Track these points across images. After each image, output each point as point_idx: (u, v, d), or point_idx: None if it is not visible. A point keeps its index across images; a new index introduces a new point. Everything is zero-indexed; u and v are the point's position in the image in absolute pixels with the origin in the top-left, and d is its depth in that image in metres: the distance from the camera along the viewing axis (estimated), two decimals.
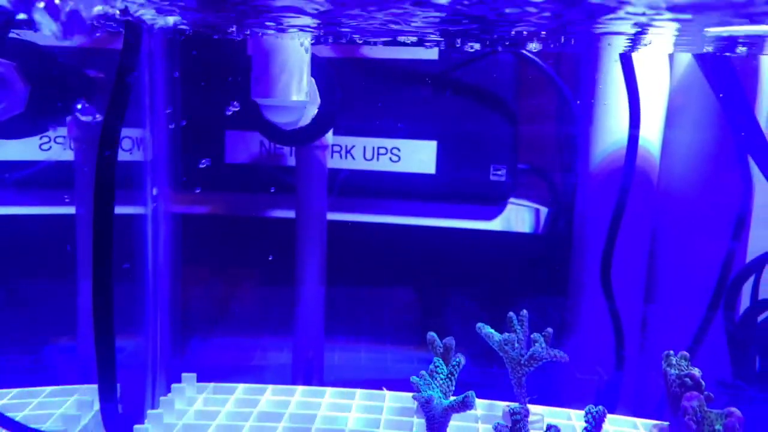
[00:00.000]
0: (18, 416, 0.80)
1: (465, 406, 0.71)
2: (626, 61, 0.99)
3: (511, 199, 1.21)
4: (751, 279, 1.07)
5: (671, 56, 1.10)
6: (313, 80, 0.93)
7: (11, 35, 0.85)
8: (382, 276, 1.26)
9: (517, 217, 1.22)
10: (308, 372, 1.15)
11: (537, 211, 1.23)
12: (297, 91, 0.85)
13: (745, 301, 1.11)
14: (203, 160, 1.00)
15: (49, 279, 1.15)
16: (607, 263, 1.07)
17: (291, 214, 1.13)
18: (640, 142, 1.05)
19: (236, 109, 0.93)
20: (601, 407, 0.67)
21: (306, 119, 0.96)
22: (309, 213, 1.11)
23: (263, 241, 1.22)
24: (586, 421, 0.67)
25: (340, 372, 1.22)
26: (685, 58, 1.10)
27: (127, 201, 0.95)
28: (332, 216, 1.14)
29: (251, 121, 0.94)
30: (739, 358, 1.05)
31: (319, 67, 0.97)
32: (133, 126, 0.97)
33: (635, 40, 0.88)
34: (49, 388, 0.91)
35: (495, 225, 1.21)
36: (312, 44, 0.92)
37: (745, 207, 1.08)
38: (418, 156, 1.15)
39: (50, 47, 0.92)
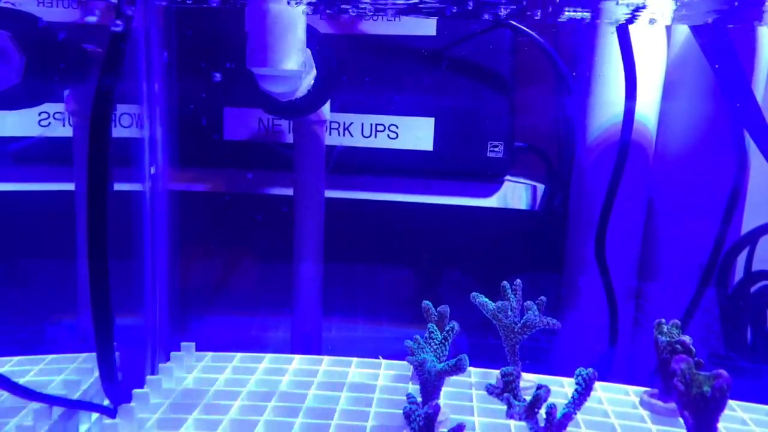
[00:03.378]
0: (20, 382, 0.82)
1: (458, 369, 0.72)
2: (623, 32, 0.99)
3: (508, 177, 1.21)
4: (745, 252, 1.08)
5: (669, 29, 1.10)
6: (309, 51, 0.93)
7: (5, 4, 0.85)
8: (379, 253, 1.27)
9: (514, 194, 1.22)
10: (305, 348, 1.16)
11: (534, 187, 1.23)
12: (292, 60, 0.85)
13: (740, 275, 1.12)
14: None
15: (50, 254, 1.17)
16: (602, 237, 1.08)
17: (289, 191, 1.13)
18: (637, 116, 1.05)
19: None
20: (591, 369, 0.68)
21: (302, 90, 0.96)
22: (307, 189, 1.11)
23: (262, 218, 1.23)
24: (576, 384, 0.68)
25: (336, 349, 1.23)
26: (683, 31, 1.10)
27: (127, 178, 0.95)
28: (330, 193, 1.15)
29: (247, 92, 0.95)
30: (732, 329, 1.06)
31: (315, 39, 0.97)
32: (131, 102, 0.97)
33: (634, 11, 0.88)
34: (50, 356, 0.93)
35: (492, 202, 1.21)
36: (309, 13, 0.92)
37: (741, 180, 1.08)
38: (416, 133, 1.16)
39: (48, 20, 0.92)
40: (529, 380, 0.88)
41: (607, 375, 1.10)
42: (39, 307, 1.21)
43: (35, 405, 0.75)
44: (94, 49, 1.00)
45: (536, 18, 0.95)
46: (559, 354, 1.20)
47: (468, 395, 0.86)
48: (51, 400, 0.75)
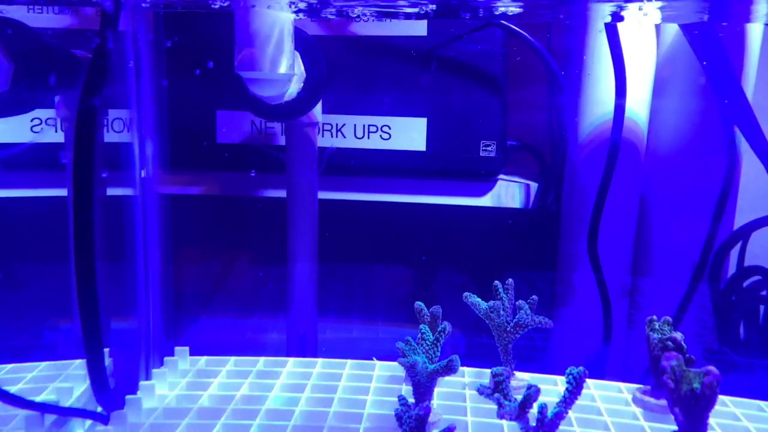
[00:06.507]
0: (12, 389, 0.82)
1: (449, 370, 0.73)
2: (611, 30, 0.99)
3: (501, 175, 1.22)
4: (737, 247, 1.08)
5: (658, 27, 1.10)
6: (297, 54, 0.93)
7: None
8: (374, 254, 1.27)
9: (508, 192, 1.22)
10: (301, 350, 1.16)
11: (527, 186, 1.24)
12: (281, 63, 0.85)
13: (732, 270, 1.12)
14: None
15: (46, 259, 1.16)
16: (594, 234, 1.08)
17: (282, 193, 1.13)
18: (628, 113, 1.06)
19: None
20: (581, 368, 0.68)
21: (292, 93, 0.96)
22: (300, 191, 1.11)
23: (255, 220, 1.23)
24: (567, 382, 0.68)
25: (332, 350, 1.24)
26: (673, 29, 1.10)
27: (118, 182, 0.95)
28: (324, 195, 1.15)
29: (239, 96, 0.95)
30: (725, 325, 1.06)
31: (304, 42, 0.97)
32: (122, 107, 0.97)
33: (620, 8, 0.88)
34: (43, 364, 0.93)
35: (485, 201, 1.21)
36: (298, 17, 0.92)
37: (732, 176, 1.08)
38: (409, 133, 1.16)
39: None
40: (522, 379, 0.88)
41: (602, 372, 1.10)
42: (35, 313, 1.21)
43: (27, 413, 0.75)
44: (84, 55, 0.99)
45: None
46: (555, 352, 1.21)
47: (461, 395, 0.86)
48: (42, 407, 0.74)
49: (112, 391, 0.81)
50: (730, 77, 1.01)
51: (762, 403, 0.86)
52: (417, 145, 1.16)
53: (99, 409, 0.80)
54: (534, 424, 0.66)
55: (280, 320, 1.19)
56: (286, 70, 0.86)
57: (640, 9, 0.89)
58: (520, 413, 0.66)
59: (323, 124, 1.15)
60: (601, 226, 1.08)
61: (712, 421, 0.77)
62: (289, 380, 0.91)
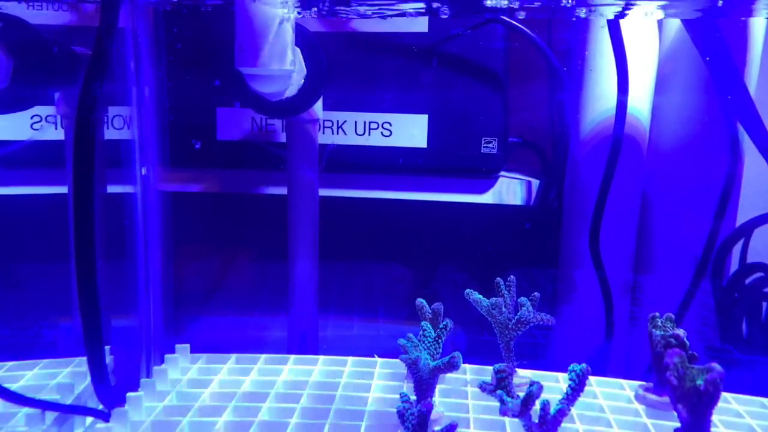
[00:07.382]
0: (13, 387, 0.82)
1: (451, 366, 0.72)
2: (613, 26, 0.98)
3: (503, 172, 1.21)
4: (740, 244, 1.08)
5: (660, 23, 1.10)
6: (298, 50, 0.93)
7: None
8: (375, 251, 1.27)
9: (509, 189, 1.22)
10: (302, 347, 1.16)
11: (529, 183, 1.23)
12: (281, 59, 0.85)
13: (735, 267, 1.12)
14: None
15: (47, 257, 1.16)
16: (596, 231, 1.08)
17: (283, 190, 1.13)
18: (630, 109, 1.05)
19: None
20: (584, 365, 0.68)
21: (293, 90, 0.96)
22: (300, 188, 1.11)
23: (256, 218, 1.23)
24: (570, 379, 0.68)
25: (333, 348, 1.23)
26: (675, 24, 1.09)
27: (118, 179, 0.95)
28: (324, 192, 1.14)
29: (237, 92, 0.94)
30: (727, 322, 1.06)
31: (305, 39, 0.97)
32: (122, 104, 0.97)
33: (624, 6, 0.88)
34: (44, 361, 0.93)
35: (487, 198, 1.21)
36: (299, 13, 0.92)
37: (735, 172, 1.08)
38: (410, 130, 1.15)
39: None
40: (523, 376, 0.88)
41: (604, 369, 1.10)
42: (36, 310, 1.21)
43: (28, 410, 0.75)
44: (84, 51, 0.99)
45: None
46: (556, 349, 1.20)
47: (463, 393, 0.86)
48: (44, 405, 0.74)
49: (113, 388, 0.81)
50: (733, 73, 1.01)
51: (765, 400, 0.86)
52: (418, 142, 1.16)
53: (100, 407, 0.80)
54: (536, 421, 0.66)
55: (280, 317, 1.19)
56: (286, 66, 0.86)
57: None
58: (522, 410, 0.65)
59: (324, 120, 1.15)
60: (603, 223, 1.08)
61: (715, 418, 0.76)
62: (290, 377, 0.90)
